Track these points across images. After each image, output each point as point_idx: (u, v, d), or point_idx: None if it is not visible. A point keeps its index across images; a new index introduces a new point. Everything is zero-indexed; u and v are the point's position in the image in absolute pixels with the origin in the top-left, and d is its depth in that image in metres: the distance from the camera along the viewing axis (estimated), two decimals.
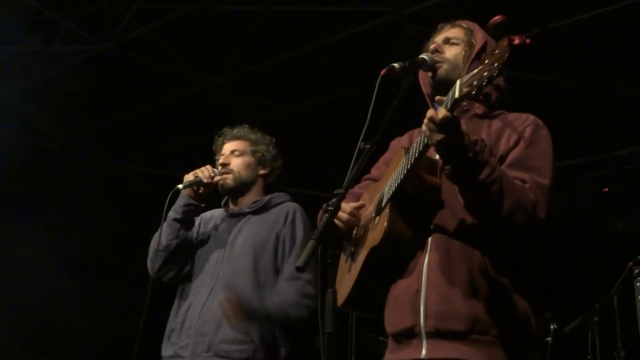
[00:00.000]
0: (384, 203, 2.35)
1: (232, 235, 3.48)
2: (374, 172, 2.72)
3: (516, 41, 1.97)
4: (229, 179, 3.52)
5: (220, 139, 3.69)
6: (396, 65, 2.36)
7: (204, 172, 3.45)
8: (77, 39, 6.39)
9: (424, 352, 2.24)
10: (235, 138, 3.64)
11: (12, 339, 6.72)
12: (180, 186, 3.44)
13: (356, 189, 2.68)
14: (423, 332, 2.25)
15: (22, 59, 6.70)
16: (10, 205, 6.95)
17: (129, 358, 3.41)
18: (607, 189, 7.34)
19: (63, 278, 6.78)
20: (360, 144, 2.26)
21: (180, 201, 3.46)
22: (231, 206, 3.61)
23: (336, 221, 2.41)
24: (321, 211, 2.27)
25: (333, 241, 2.29)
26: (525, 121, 2.40)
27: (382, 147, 2.60)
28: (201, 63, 6.72)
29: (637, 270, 5.07)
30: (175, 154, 7.23)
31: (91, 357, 7.51)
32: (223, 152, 3.62)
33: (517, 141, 2.34)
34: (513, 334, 2.24)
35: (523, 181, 2.22)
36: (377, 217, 2.40)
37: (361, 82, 5.87)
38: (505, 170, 2.21)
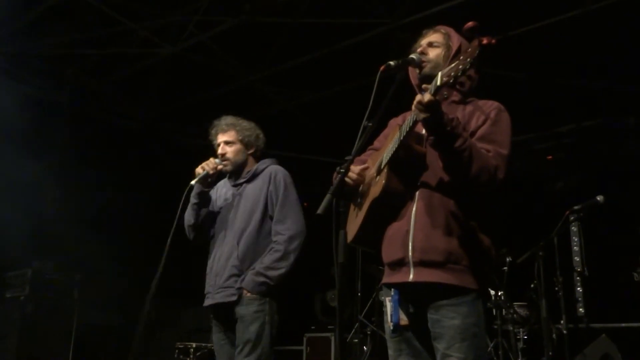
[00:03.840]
0: (382, 165, 2.34)
1: (236, 200, 3.47)
2: (375, 143, 2.70)
3: (484, 41, 1.94)
4: (228, 165, 3.50)
5: (213, 130, 3.60)
6: (392, 63, 2.32)
7: (209, 165, 3.42)
8: (151, 44, 6.38)
9: (411, 276, 2.25)
10: (224, 130, 3.56)
11: None
12: (193, 182, 3.42)
13: (362, 156, 2.66)
14: (411, 262, 2.25)
15: (109, 59, 6.72)
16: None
17: None
18: (550, 157, 7.31)
19: None
20: (364, 122, 2.25)
21: (196, 189, 3.45)
22: (233, 179, 3.59)
23: (347, 180, 2.41)
24: (335, 173, 2.26)
25: (344, 195, 2.31)
26: (491, 106, 2.37)
27: (382, 125, 2.58)
28: (245, 62, 6.69)
29: (572, 218, 5.06)
30: None
31: None
32: (218, 141, 3.56)
33: (484, 121, 2.31)
34: (479, 263, 2.24)
35: (488, 151, 2.21)
36: (378, 176, 2.39)
37: (365, 76, 5.84)
38: (475, 142, 2.20)
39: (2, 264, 6.16)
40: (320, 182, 3.54)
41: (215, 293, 3.31)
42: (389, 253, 2.36)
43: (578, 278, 5.84)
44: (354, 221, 2.50)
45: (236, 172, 3.55)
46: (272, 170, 3.46)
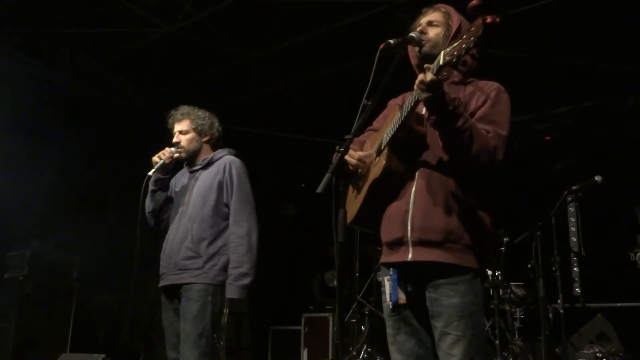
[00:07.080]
0: (383, 146, 2.34)
1: (191, 185, 3.59)
2: (375, 124, 2.69)
3: (488, 20, 1.93)
4: (182, 152, 3.62)
5: (170, 120, 3.73)
6: (391, 41, 2.31)
7: (165, 154, 3.57)
8: (148, 23, 6.33)
9: (410, 256, 2.26)
10: (179, 120, 3.69)
11: None
12: (150, 173, 3.55)
13: (361, 137, 2.66)
14: (409, 241, 2.26)
15: (106, 38, 6.66)
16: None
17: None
18: (548, 138, 7.32)
19: None
20: (364, 101, 2.25)
21: (153, 178, 3.60)
22: (190, 166, 3.71)
23: (346, 159, 2.41)
24: (335, 153, 2.26)
25: (343, 174, 2.31)
26: (491, 87, 2.36)
27: (381, 106, 2.58)
28: (243, 42, 6.65)
29: (569, 198, 5.09)
30: (223, 111, 7.23)
31: None
32: (174, 130, 3.68)
33: (484, 101, 2.31)
34: (477, 242, 2.25)
35: (487, 131, 2.21)
36: (378, 157, 2.39)
37: (364, 56, 5.81)
38: (475, 123, 2.20)
39: (1, 244, 6.16)
40: (318, 162, 3.53)
41: (170, 274, 3.41)
42: (388, 232, 2.36)
43: (575, 258, 5.89)
44: (354, 202, 2.50)
45: (191, 160, 3.67)
46: (227, 160, 3.58)
